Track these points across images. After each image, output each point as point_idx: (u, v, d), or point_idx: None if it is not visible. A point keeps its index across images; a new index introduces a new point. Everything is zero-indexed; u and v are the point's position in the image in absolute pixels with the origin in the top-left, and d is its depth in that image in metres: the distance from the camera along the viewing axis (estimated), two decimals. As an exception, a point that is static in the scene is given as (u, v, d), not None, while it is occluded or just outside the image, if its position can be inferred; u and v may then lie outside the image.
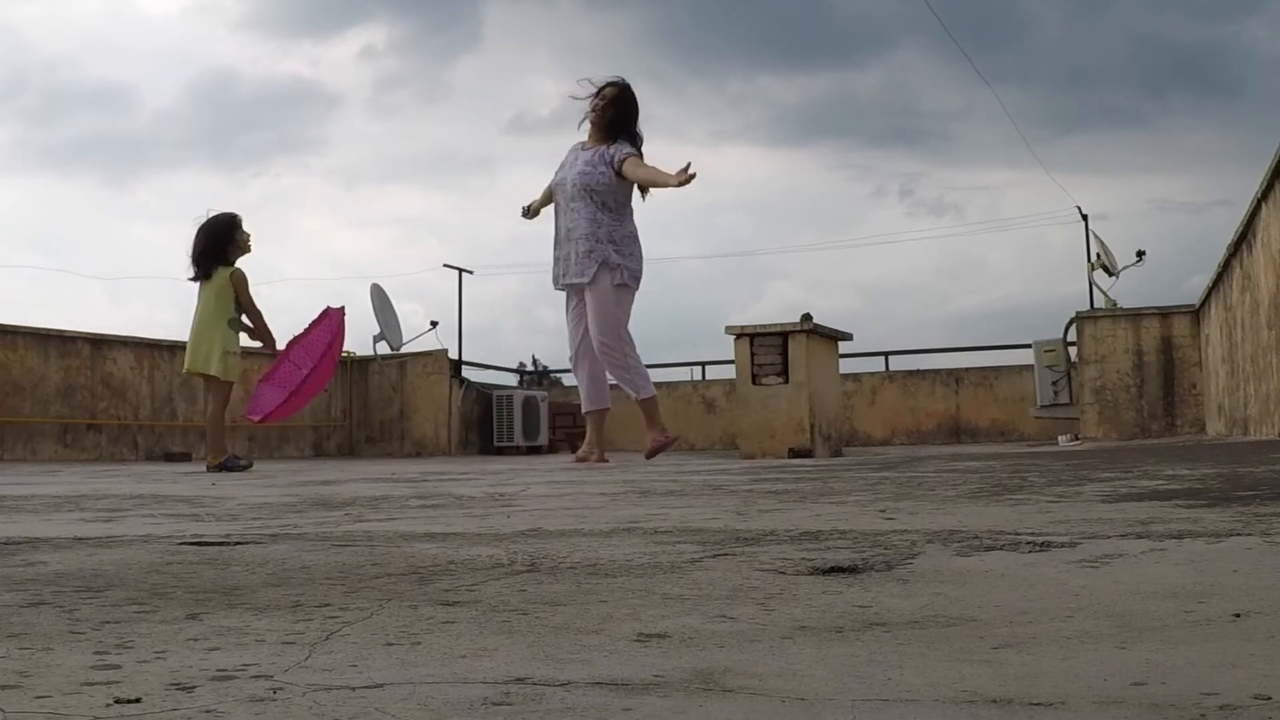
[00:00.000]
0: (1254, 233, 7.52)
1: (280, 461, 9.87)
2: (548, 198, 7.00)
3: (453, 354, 13.95)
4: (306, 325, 7.18)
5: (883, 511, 2.30)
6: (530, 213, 7.14)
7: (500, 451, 13.23)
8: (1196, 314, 10.72)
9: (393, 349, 13.20)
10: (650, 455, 6.72)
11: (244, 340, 6.72)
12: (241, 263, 6.55)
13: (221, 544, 1.86)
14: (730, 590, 1.27)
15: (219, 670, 0.89)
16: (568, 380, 17.02)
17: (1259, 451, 4.95)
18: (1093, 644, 0.95)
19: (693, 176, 6.30)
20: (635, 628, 1.05)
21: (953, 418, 13.89)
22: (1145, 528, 1.81)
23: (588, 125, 6.75)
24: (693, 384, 14.87)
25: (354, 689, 0.82)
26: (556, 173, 6.84)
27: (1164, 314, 10.87)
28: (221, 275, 6.45)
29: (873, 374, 14.38)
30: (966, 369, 14.07)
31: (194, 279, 6.53)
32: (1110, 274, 12.33)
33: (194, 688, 0.83)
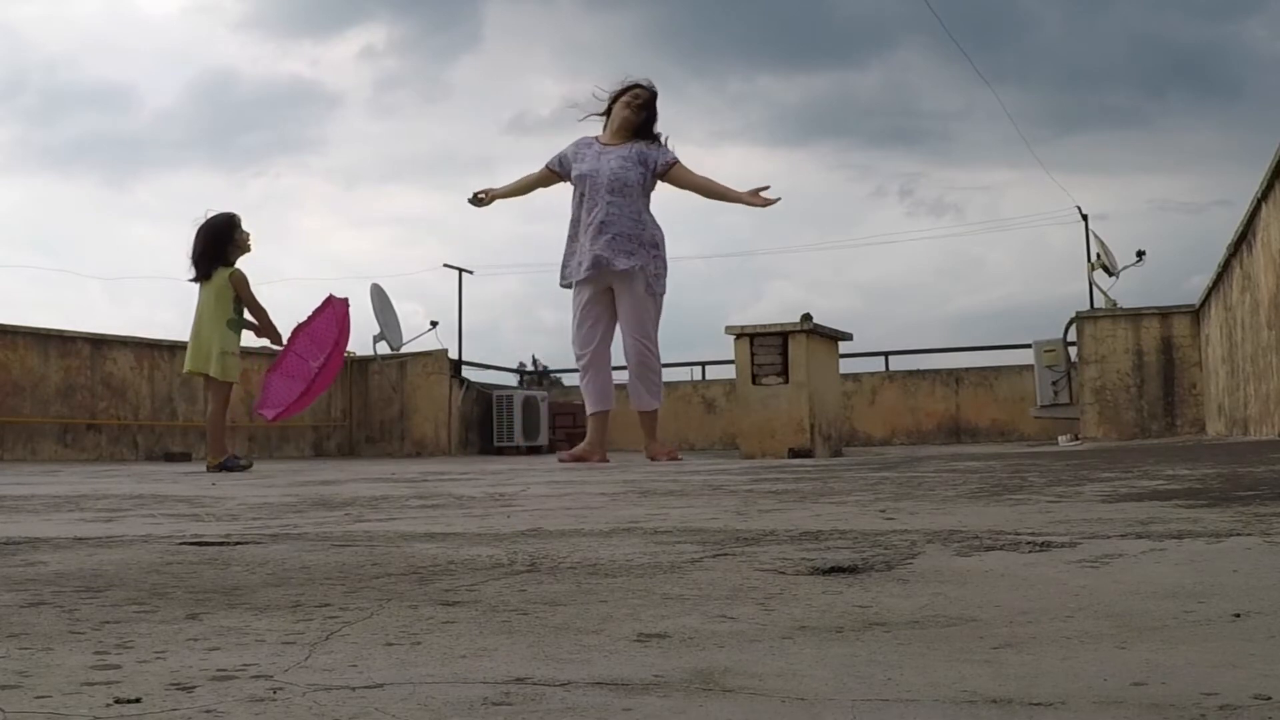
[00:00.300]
0: (1254, 233, 7.52)
1: (280, 461, 9.87)
2: (519, 189, 6.87)
3: (453, 354, 13.96)
4: (309, 314, 7.12)
5: (883, 511, 2.30)
6: (484, 200, 6.88)
7: (500, 451, 13.23)
8: (1196, 314, 10.72)
9: (393, 349, 13.20)
10: (654, 460, 6.72)
11: (250, 339, 6.72)
12: (241, 263, 6.55)
13: (221, 544, 1.86)
14: (730, 590, 1.27)
15: (219, 670, 0.89)
16: (568, 380, 17.04)
17: (1259, 451, 4.95)
18: (1093, 644, 0.95)
19: (773, 201, 6.52)
20: (635, 628, 1.05)
21: (953, 418, 13.89)
22: (1145, 528, 1.81)
23: (607, 121, 6.68)
24: (693, 384, 14.87)
25: (354, 689, 0.82)
26: (573, 165, 6.65)
27: (1164, 314, 10.88)
28: (221, 276, 6.45)
29: (873, 374, 14.38)
30: (966, 369, 14.08)
31: (194, 280, 6.53)
32: (1110, 274, 12.34)
33: (194, 688, 0.83)
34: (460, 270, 15.06)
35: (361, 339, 13.15)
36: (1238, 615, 1.05)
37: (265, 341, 6.86)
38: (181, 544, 1.88)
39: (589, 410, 6.76)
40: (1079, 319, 11.10)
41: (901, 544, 1.66)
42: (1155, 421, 10.62)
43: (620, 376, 6.80)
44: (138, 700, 0.79)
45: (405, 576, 1.43)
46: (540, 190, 6.96)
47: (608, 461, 6.47)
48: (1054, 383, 11.27)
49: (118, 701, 0.79)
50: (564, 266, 6.70)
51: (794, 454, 7.26)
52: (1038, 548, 1.58)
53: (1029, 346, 11.90)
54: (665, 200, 8.93)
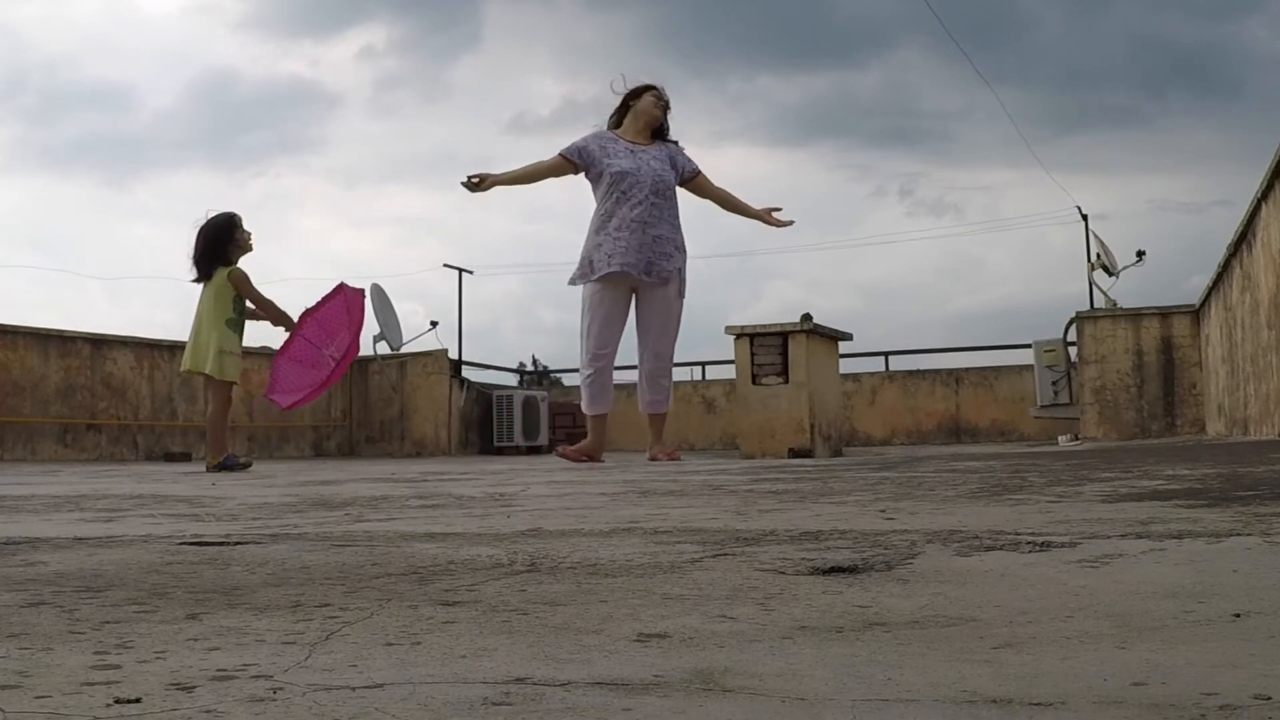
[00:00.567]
0: (1254, 233, 7.52)
1: (280, 461, 9.87)
2: (526, 177, 6.64)
3: (453, 354, 13.96)
4: (319, 299, 7.06)
5: (883, 511, 2.30)
6: (479, 185, 6.41)
7: (500, 451, 13.23)
8: (1196, 314, 10.72)
9: (393, 349, 13.20)
10: (653, 460, 6.73)
11: (251, 339, 6.72)
12: (243, 262, 6.55)
13: (221, 544, 1.86)
14: (730, 590, 1.27)
15: (219, 670, 0.89)
16: (567, 380, 17.03)
17: (1259, 451, 4.95)
18: (1093, 644, 0.95)
19: (788, 223, 6.81)
20: (635, 628, 1.05)
21: (953, 418, 13.89)
22: (1145, 528, 1.80)
23: (622, 118, 6.65)
24: (693, 384, 14.87)
25: (354, 689, 0.82)
26: (603, 160, 6.47)
27: (1164, 314, 10.87)
28: (220, 275, 6.45)
29: (873, 374, 14.39)
30: (966, 369, 14.08)
31: (195, 280, 6.53)
32: (1110, 274, 12.33)
33: (194, 688, 0.83)
34: (460, 270, 15.07)
35: (362, 339, 13.16)
36: (1238, 615, 1.05)
37: (281, 330, 6.81)
38: (181, 544, 1.88)
39: (595, 411, 6.61)
40: (1079, 319, 11.10)
41: (901, 544, 1.66)
42: (1155, 421, 10.62)
43: (620, 376, 6.82)
44: (138, 700, 0.79)
45: (405, 576, 1.43)
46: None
47: (603, 462, 6.48)
48: (1054, 383, 11.27)
49: (118, 701, 0.79)
50: (587, 261, 6.48)
51: (794, 454, 7.26)
52: (1038, 548, 1.58)
53: (1029, 346, 11.90)
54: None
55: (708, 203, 6.88)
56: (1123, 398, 10.72)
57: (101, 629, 1.08)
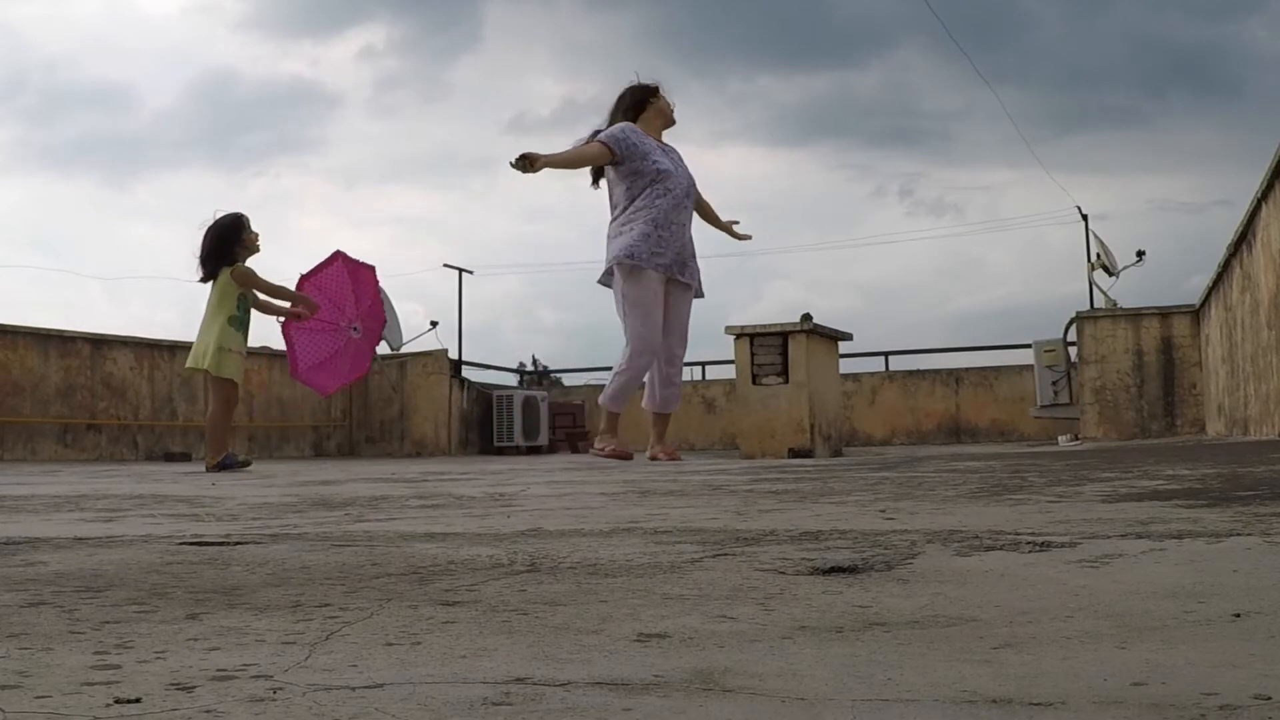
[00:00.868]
0: (1254, 233, 7.52)
1: (280, 461, 9.87)
2: (570, 162, 6.34)
3: (453, 354, 13.97)
4: (314, 265, 6.99)
5: (883, 511, 2.30)
6: (532, 168, 6.02)
7: (500, 451, 13.23)
8: (1196, 314, 10.72)
9: (393, 349, 13.20)
10: (654, 459, 6.73)
11: (254, 341, 6.72)
12: (248, 263, 6.54)
13: (221, 544, 1.86)
14: (730, 590, 1.27)
15: (219, 670, 0.89)
16: (568, 380, 17.05)
17: (1259, 451, 4.95)
18: (1093, 644, 0.95)
19: (746, 237, 7.16)
20: (635, 628, 1.05)
21: (953, 418, 13.89)
22: (1145, 528, 1.80)
23: (637, 117, 6.61)
24: (693, 384, 14.87)
25: (354, 689, 0.82)
26: (645, 156, 6.36)
27: (1164, 314, 10.87)
28: (225, 274, 6.45)
29: (873, 374, 14.39)
30: (966, 369, 14.09)
31: (203, 280, 6.52)
32: (1110, 274, 12.33)
33: (194, 688, 0.83)
34: (460, 270, 15.07)
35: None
36: (1238, 615, 1.05)
37: (302, 310, 6.76)
38: (181, 544, 1.88)
39: (620, 408, 6.52)
40: (1079, 319, 11.10)
41: (901, 544, 1.66)
42: (1155, 421, 10.62)
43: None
44: (138, 700, 0.79)
45: (405, 576, 1.43)
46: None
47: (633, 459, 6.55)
48: (1054, 383, 11.27)
49: (118, 701, 0.79)
50: (632, 253, 6.30)
51: (794, 454, 7.26)
52: (1038, 548, 1.58)
53: (1029, 346, 11.90)
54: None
55: (709, 202, 6.97)
56: (1123, 398, 10.72)
57: (101, 629, 1.08)
